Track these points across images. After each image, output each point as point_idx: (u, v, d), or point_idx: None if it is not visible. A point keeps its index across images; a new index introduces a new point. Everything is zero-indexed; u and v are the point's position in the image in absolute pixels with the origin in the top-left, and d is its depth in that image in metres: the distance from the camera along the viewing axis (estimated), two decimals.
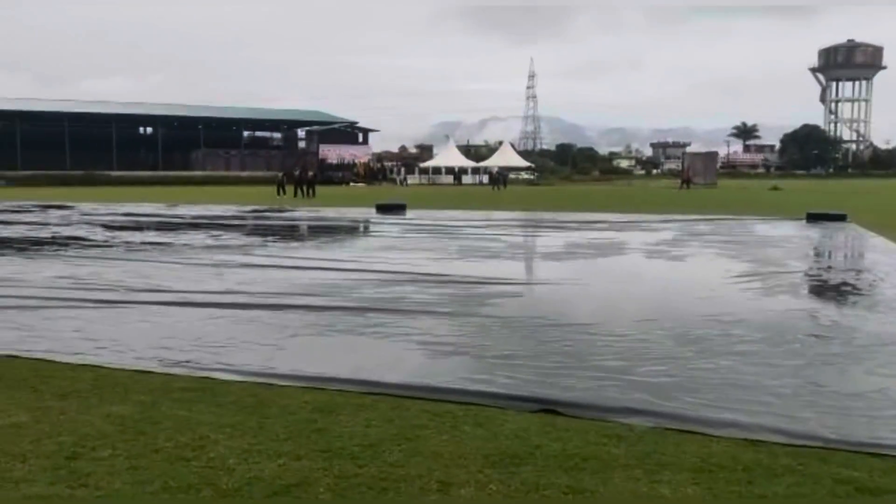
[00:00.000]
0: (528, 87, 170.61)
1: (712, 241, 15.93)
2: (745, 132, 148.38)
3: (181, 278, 10.30)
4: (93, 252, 13.62)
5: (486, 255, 13.21)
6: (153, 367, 5.66)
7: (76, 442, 4.08)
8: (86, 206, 30.08)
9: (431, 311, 7.85)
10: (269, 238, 17.73)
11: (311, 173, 43.73)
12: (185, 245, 14.97)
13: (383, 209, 27.01)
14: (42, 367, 5.67)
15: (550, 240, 16.03)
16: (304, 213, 26.72)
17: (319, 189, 44.11)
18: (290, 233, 19.96)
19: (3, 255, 13.40)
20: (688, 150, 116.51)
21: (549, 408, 4.64)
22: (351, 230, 21.25)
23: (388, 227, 20.17)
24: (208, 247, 14.56)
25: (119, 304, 8.29)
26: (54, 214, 25.39)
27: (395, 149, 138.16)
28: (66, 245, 15.20)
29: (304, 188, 39.80)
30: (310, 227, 21.46)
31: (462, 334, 6.83)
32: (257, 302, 8.44)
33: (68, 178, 69.08)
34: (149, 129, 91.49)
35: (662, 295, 9.29)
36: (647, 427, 4.36)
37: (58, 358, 5.93)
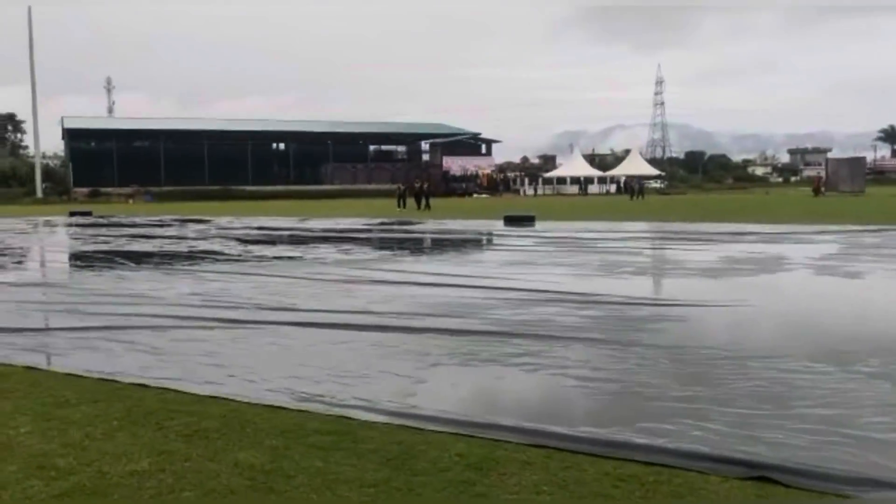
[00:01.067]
0: (656, 94, 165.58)
1: (887, 254, 14.21)
2: (892, 136, 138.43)
3: (312, 296, 9.89)
4: (225, 267, 13.56)
5: (633, 272, 12.18)
6: (285, 401, 5.10)
7: (200, 500, 3.51)
8: (222, 220, 30.97)
9: (583, 338, 6.99)
10: (399, 252, 17.33)
11: (425, 185, 43.49)
12: (315, 259, 14.74)
13: (512, 221, 26.28)
14: (169, 399, 5.22)
15: (701, 254, 14.74)
16: (431, 226, 26.35)
17: (443, 201, 43.93)
18: (419, 246, 19.54)
19: (141, 270, 13.54)
20: (830, 155, 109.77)
21: (761, 474, 3.70)
22: (480, 243, 20.61)
23: (518, 240, 19.38)
24: (339, 262, 14.24)
25: (249, 325, 7.89)
26: (192, 229, 26.16)
27: (516, 159, 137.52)
28: (201, 259, 15.31)
29: (422, 200, 39.66)
30: (438, 241, 20.98)
31: (625, 368, 5.93)
32: (392, 323, 7.84)
33: (207, 192, 72.35)
34: (281, 145, 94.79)
35: (854, 321, 8.03)
36: None
37: (186, 387, 5.48)
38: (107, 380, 5.77)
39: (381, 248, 18.51)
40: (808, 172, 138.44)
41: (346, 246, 18.39)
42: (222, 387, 5.50)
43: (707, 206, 38.52)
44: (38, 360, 6.46)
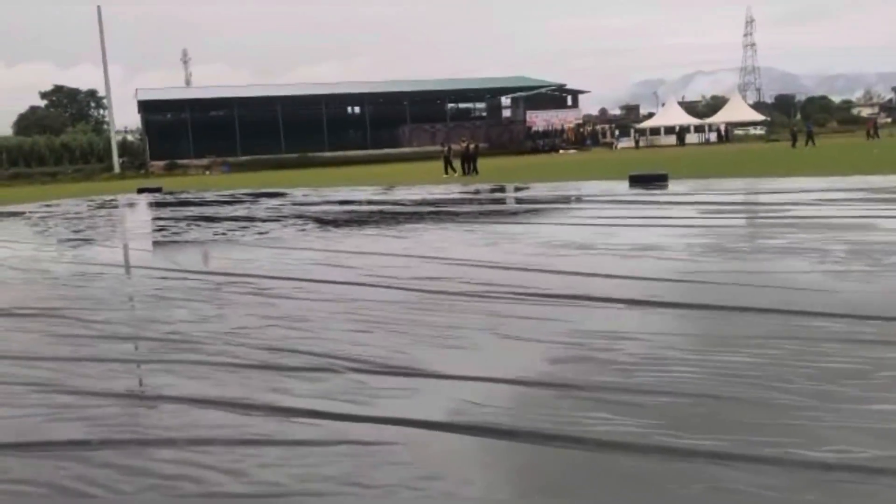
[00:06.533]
0: (745, 35, 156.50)
1: None
2: None
3: (443, 341, 5.92)
4: (302, 267, 9.77)
5: None
6: None
7: None
8: (298, 193, 27.52)
9: None
10: (527, 229, 13.30)
11: (472, 146, 39.07)
12: (426, 253, 10.81)
13: (638, 181, 21.85)
14: None
15: None
16: (542, 192, 22.19)
17: (530, 159, 39.51)
18: (545, 220, 15.45)
19: (187, 279, 9.89)
20: None
21: None
22: (621, 216, 16.33)
23: (670, 209, 15.03)
24: (454, 257, 10.25)
25: (352, 434, 3.99)
26: (265, 206, 22.68)
27: (594, 112, 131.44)
28: (270, 252, 11.63)
29: (470, 164, 35.34)
30: (562, 211, 16.81)
31: None
32: (640, 438, 3.83)
33: (283, 161, 69.89)
34: (356, 109, 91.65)
35: None
36: None
37: None
38: None
39: (498, 226, 14.47)
40: None
41: (448, 224, 14.49)
42: None
43: (860, 155, 33.02)
44: None
